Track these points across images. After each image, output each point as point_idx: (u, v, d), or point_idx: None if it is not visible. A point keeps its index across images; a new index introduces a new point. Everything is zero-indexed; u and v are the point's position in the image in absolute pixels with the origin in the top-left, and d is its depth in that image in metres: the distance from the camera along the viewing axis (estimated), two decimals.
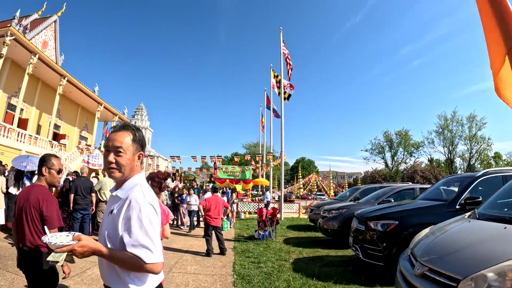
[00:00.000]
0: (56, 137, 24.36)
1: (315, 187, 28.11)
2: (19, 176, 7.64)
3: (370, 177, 55.75)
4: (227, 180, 19.62)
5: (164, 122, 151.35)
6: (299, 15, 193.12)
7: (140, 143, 1.71)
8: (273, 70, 22.36)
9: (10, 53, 18.17)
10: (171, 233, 10.25)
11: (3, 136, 16.93)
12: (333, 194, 31.80)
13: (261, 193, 18.45)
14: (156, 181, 3.30)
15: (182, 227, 12.00)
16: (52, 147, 20.58)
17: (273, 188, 24.05)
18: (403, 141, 54.22)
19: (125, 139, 1.62)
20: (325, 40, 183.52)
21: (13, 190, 7.60)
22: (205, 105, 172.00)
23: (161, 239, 3.19)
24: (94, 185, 7.85)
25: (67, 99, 25.93)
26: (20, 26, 18.45)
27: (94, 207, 7.66)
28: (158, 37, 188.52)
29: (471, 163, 46.37)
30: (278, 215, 10.29)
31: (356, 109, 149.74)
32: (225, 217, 10.54)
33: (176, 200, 12.60)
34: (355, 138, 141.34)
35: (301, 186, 23.34)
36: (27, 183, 7.51)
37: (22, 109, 20.98)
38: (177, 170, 26.07)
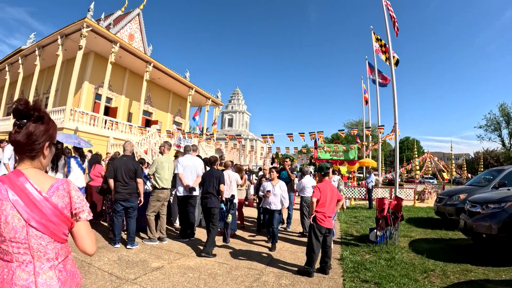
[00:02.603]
0: (148, 123, 24.72)
1: (429, 168, 23.31)
2: (57, 156, 6.22)
3: (481, 158, 47.52)
4: (330, 161, 16.70)
5: (261, 106, 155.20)
6: None
7: None
8: (374, 33, 18.84)
9: (92, 46, 18.42)
10: (246, 234, 7.76)
11: (91, 124, 17.08)
12: (447, 178, 26.87)
13: (367, 175, 15.08)
14: None
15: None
16: (141, 133, 20.48)
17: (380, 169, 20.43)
18: None
19: None
20: (422, 10, 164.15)
21: (51, 175, 6.20)
22: (302, 86, 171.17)
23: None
24: (141, 167, 5.91)
25: (157, 85, 26.18)
26: (102, 21, 18.47)
27: (141, 198, 5.62)
28: (248, 22, 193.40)
29: None
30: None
31: (459, 84, 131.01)
32: None
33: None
34: (459, 116, 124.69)
35: (417, 167, 19.13)
36: (75, 166, 6.04)
37: (110, 98, 21.47)
38: (276, 153, 23.95)
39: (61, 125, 15.54)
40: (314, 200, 4.60)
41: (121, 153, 6.13)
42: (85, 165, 6.29)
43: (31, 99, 18.92)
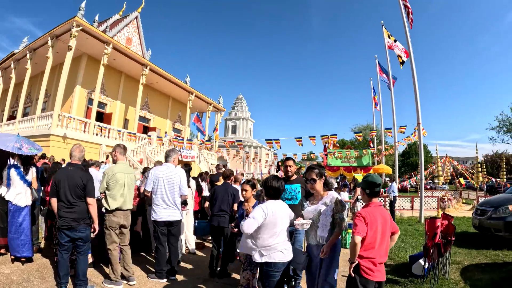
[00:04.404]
0: (146, 130, 23.29)
1: (449, 174, 21.66)
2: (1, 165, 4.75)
3: (490, 162, 49.49)
4: (341, 168, 15.00)
5: (266, 113, 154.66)
6: None
7: None
8: (385, 29, 17.49)
9: (84, 48, 17.36)
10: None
11: (82, 131, 15.79)
12: (464, 183, 25.32)
13: (389, 184, 13.40)
14: None
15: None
16: (139, 139, 19.05)
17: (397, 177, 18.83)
18: None
19: None
20: (423, 11, 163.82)
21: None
22: (306, 90, 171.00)
23: None
24: (93, 179, 4.04)
25: (155, 90, 24.91)
26: (95, 22, 17.34)
27: (95, 225, 3.93)
28: (250, 25, 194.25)
29: None
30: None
31: (464, 86, 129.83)
32: None
33: None
34: (465, 119, 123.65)
35: (440, 172, 17.44)
36: (16, 179, 4.58)
37: (105, 104, 20.20)
38: (282, 160, 22.21)
39: (48, 132, 14.23)
40: (358, 240, 2.57)
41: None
42: (32, 176, 4.74)
43: (22, 105, 17.90)
